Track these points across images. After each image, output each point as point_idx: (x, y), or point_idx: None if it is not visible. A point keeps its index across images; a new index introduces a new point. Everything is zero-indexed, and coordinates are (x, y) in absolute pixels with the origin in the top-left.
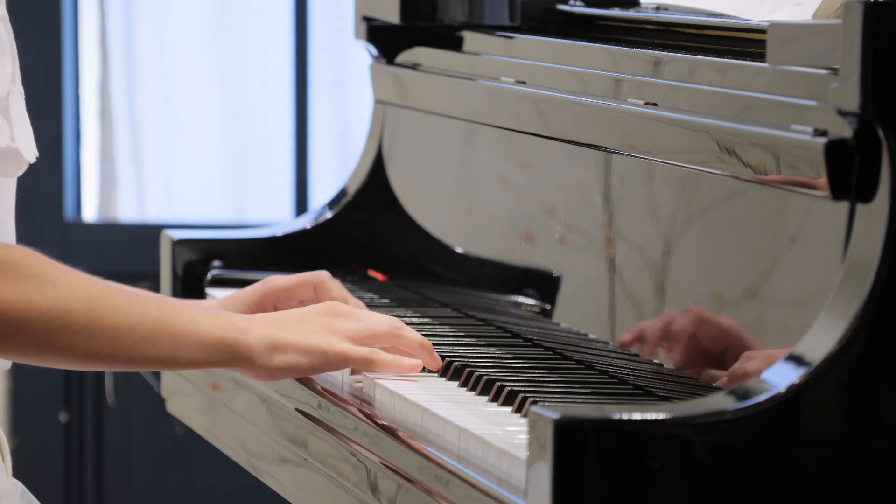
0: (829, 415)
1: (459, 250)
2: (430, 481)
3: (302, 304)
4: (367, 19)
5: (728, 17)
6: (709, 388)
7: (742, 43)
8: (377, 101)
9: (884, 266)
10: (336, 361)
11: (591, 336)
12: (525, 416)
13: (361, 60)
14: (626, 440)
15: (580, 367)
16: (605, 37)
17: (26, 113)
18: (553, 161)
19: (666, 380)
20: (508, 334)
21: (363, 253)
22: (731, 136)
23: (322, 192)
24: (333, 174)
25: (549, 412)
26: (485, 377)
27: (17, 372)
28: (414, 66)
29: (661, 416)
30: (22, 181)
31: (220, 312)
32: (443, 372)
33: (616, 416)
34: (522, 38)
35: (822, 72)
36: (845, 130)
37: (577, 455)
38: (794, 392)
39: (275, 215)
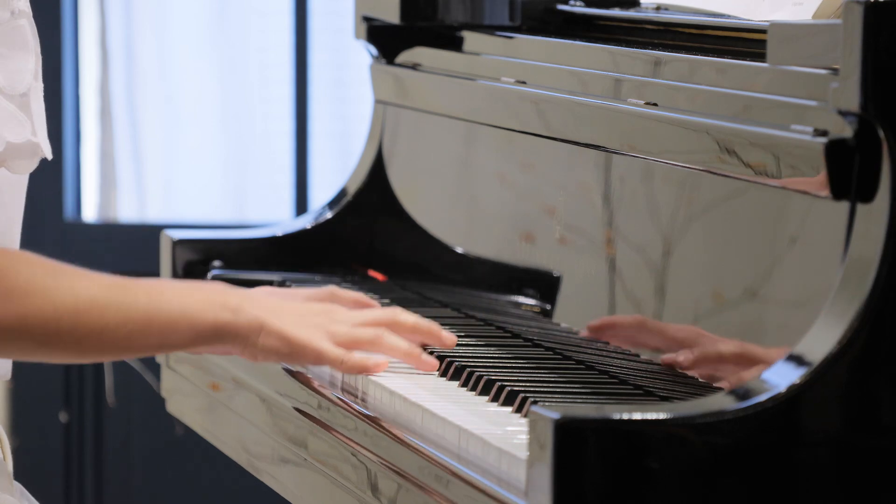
0: (829, 415)
1: (459, 250)
2: (430, 481)
3: None
4: (367, 19)
5: (728, 17)
6: (709, 388)
7: (742, 43)
8: (377, 101)
9: (884, 266)
10: (313, 357)
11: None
12: (525, 416)
13: (361, 60)
14: (626, 440)
15: (580, 367)
16: (605, 37)
17: (44, 110)
18: (553, 161)
19: (666, 380)
20: (508, 334)
21: (363, 253)
22: (731, 136)
23: (322, 192)
24: (333, 174)
25: (550, 412)
26: (485, 377)
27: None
28: (414, 66)
29: (661, 416)
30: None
31: (213, 290)
32: (443, 372)
33: (616, 416)
34: (522, 38)
35: (822, 72)
36: (845, 130)
37: (578, 455)
38: (794, 392)
39: (275, 215)
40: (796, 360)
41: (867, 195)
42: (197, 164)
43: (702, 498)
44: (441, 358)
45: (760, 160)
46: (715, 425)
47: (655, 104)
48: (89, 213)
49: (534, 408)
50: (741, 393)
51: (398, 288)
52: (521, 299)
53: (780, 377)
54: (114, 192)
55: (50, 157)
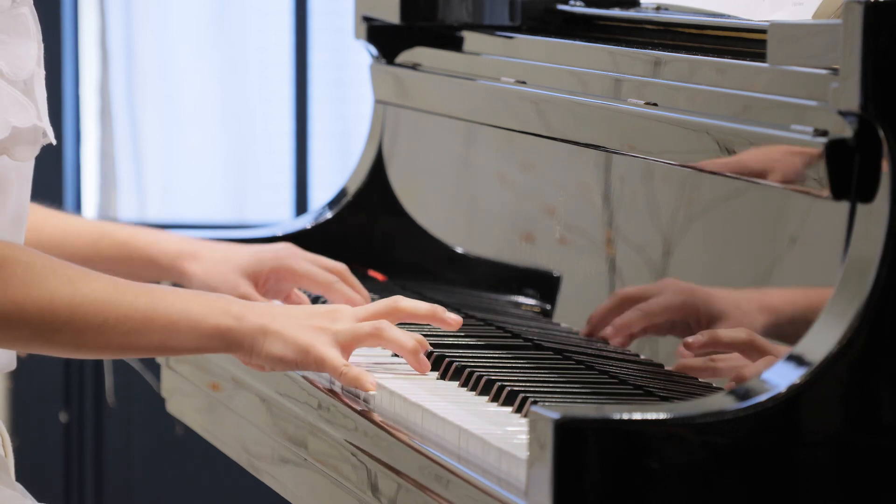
0: (829, 415)
1: (459, 250)
2: (430, 481)
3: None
4: (367, 19)
5: (728, 17)
6: (709, 388)
7: (742, 43)
8: (377, 101)
9: (884, 266)
10: (315, 363)
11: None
12: (525, 416)
13: (361, 60)
14: (626, 440)
15: (580, 367)
16: (605, 37)
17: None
18: (553, 161)
19: (666, 380)
20: (508, 334)
21: (363, 253)
22: (731, 136)
23: (322, 192)
24: (333, 174)
25: (550, 412)
26: (485, 377)
27: (17, 372)
28: (414, 66)
29: (661, 416)
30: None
31: (215, 298)
32: (443, 372)
33: (616, 416)
34: (522, 38)
35: (822, 72)
36: (845, 130)
37: (578, 455)
38: (794, 392)
39: (275, 215)
40: (796, 360)
41: (867, 195)
42: (197, 164)
43: (702, 498)
44: (441, 358)
45: (761, 160)
46: (715, 425)
47: (655, 104)
48: (89, 213)
49: (534, 408)
50: (741, 393)
51: (398, 288)
52: (521, 299)
53: (780, 377)
54: (114, 191)
55: (54, 141)
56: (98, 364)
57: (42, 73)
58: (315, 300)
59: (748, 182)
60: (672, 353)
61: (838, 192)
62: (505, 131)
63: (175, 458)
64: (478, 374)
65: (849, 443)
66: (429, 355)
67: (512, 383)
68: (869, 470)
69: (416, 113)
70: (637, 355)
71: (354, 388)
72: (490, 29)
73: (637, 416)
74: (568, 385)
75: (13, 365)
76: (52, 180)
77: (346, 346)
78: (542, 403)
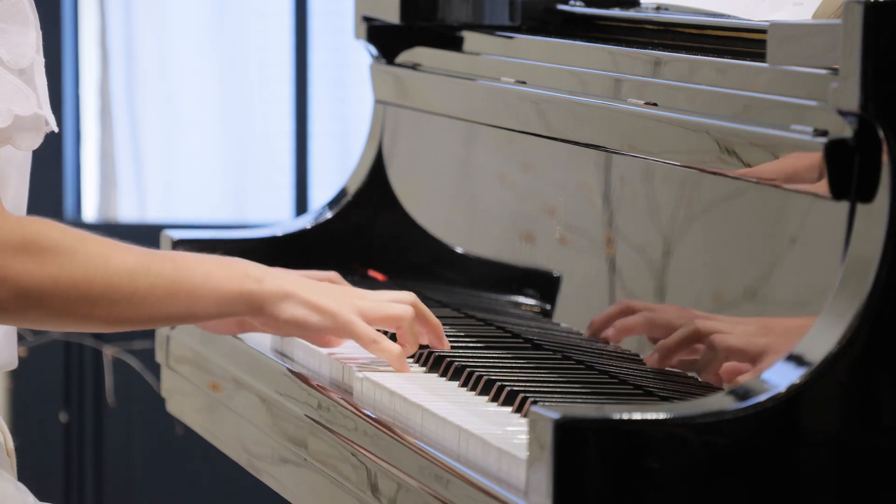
0: (829, 415)
1: (459, 250)
2: (430, 481)
3: None
4: (367, 19)
5: (728, 17)
6: (709, 388)
7: (742, 43)
8: (377, 101)
9: (884, 266)
10: (343, 328)
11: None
12: (525, 416)
13: (361, 60)
14: (626, 440)
15: (580, 367)
16: (605, 37)
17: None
18: (553, 161)
19: (666, 380)
20: (508, 334)
21: (363, 253)
22: (731, 136)
23: (322, 192)
24: (333, 174)
25: (550, 412)
26: (485, 377)
27: (17, 372)
28: (414, 66)
29: (661, 416)
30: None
31: (234, 262)
32: (443, 372)
33: (616, 416)
34: (522, 38)
35: (822, 72)
36: (845, 130)
37: (578, 455)
38: (794, 392)
39: (275, 215)
40: (796, 360)
41: (867, 195)
42: (197, 164)
43: (702, 498)
44: (441, 358)
45: (760, 160)
46: (715, 425)
47: (655, 104)
48: (89, 213)
49: (534, 408)
50: (741, 393)
51: (398, 288)
52: (521, 299)
53: (780, 377)
54: (114, 192)
55: (56, 129)
56: (98, 364)
57: (42, 60)
58: None
59: (748, 182)
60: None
61: (838, 192)
62: (505, 131)
63: (175, 458)
64: (478, 374)
65: (849, 443)
66: (429, 355)
67: (512, 383)
68: (869, 470)
69: (416, 113)
70: (637, 355)
71: (388, 357)
72: (490, 29)
73: (637, 416)
74: (568, 385)
75: (14, 363)
76: (52, 180)
77: (370, 322)
78: (542, 403)
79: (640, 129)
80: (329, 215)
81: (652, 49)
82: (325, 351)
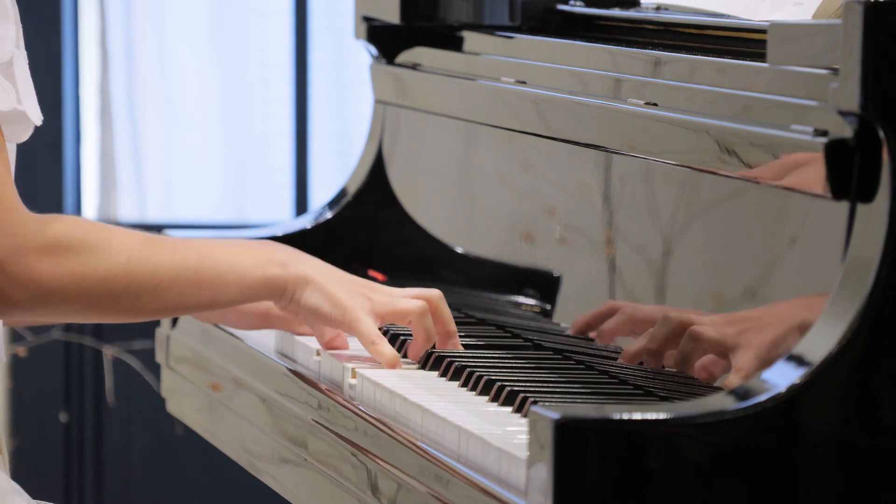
0: (829, 415)
1: (459, 250)
2: (430, 481)
3: None
4: (367, 19)
5: (728, 17)
6: (709, 388)
7: (742, 43)
8: (377, 101)
9: (884, 266)
10: (348, 323)
11: (591, 336)
12: (525, 416)
13: (361, 60)
14: (626, 440)
15: (580, 367)
16: (605, 37)
17: (30, 77)
18: (553, 161)
19: (666, 380)
20: (508, 334)
21: (363, 253)
22: (731, 136)
23: (322, 192)
24: (333, 174)
25: (550, 412)
26: (485, 377)
27: (17, 372)
28: (414, 66)
29: (661, 416)
30: (22, 180)
31: (260, 247)
32: (443, 372)
33: (616, 416)
34: (522, 38)
35: (822, 72)
36: (845, 130)
37: (578, 455)
38: (794, 392)
39: (275, 215)
40: (796, 360)
41: (867, 195)
42: (197, 164)
43: (702, 498)
44: (441, 358)
45: (760, 160)
46: (715, 425)
47: (655, 104)
48: (89, 213)
49: (534, 408)
50: (741, 393)
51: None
52: (521, 299)
53: (780, 377)
54: (114, 192)
55: (40, 122)
56: (98, 364)
57: (23, 54)
58: None
59: (748, 182)
60: (671, 353)
61: (838, 192)
62: (505, 131)
63: (175, 458)
64: (478, 374)
65: (849, 443)
66: (429, 355)
67: (512, 383)
68: (869, 470)
69: (416, 113)
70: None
71: (383, 361)
72: (490, 29)
73: (637, 416)
74: (568, 385)
75: (2, 358)
76: (52, 180)
77: (380, 316)
78: (542, 403)
79: (640, 129)
80: (329, 215)
81: (652, 49)
82: (325, 351)
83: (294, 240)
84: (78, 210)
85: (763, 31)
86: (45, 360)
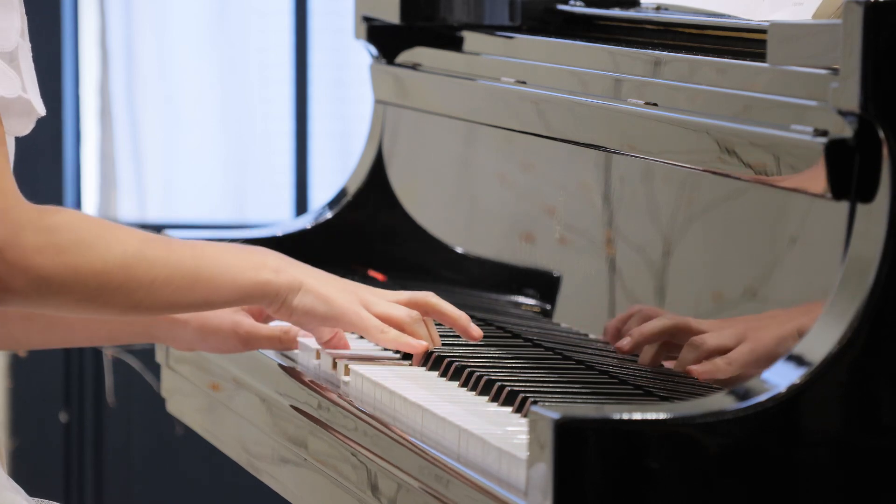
0: (829, 415)
1: (459, 250)
2: (430, 481)
3: None
4: (367, 19)
5: (728, 17)
6: (709, 388)
7: (742, 43)
8: (377, 101)
9: (884, 266)
10: (349, 319)
11: (591, 336)
12: (525, 416)
13: (361, 60)
14: (626, 440)
15: (580, 367)
16: (605, 37)
17: (34, 69)
18: (553, 161)
19: (666, 380)
20: (508, 334)
21: (363, 253)
22: (731, 136)
23: (322, 192)
24: (333, 174)
25: (550, 412)
26: (485, 377)
27: (17, 372)
28: (414, 66)
29: (661, 416)
30: (22, 180)
31: (254, 252)
32: (443, 372)
33: (616, 416)
34: (522, 38)
35: (822, 72)
36: (845, 130)
37: (578, 455)
38: (794, 392)
39: (275, 215)
40: (796, 360)
41: (867, 195)
42: (197, 164)
43: (702, 498)
44: (441, 358)
45: (760, 160)
46: (715, 425)
47: (655, 104)
48: (89, 213)
49: (534, 408)
50: (741, 393)
51: (398, 288)
52: (521, 299)
53: (780, 377)
54: (114, 192)
55: (43, 113)
56: (98, 364)
57: (27, 45)
58: None
59: (748, 182)
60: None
61: (838, 192)
62: (505, 131)
63: (175, 458)
64: (478, 374)
65: (849, 443)
66: (429, 355)
67: (512, 383)
68: (869, 470)
69: (416, 113)
70: (637, 355)
71: (398, 348)
72: (490, 29)
73: (637, 416)
74: (568, 385)
75: None
76: (52, 180)
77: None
78: (542, 403)
79: (640, 129)
80: (329, 215)
81: (652, 49)
82: (324, 351)
83: (294, 240)
84: (78, 210)
85: (763, 31)
86: (45, 360)
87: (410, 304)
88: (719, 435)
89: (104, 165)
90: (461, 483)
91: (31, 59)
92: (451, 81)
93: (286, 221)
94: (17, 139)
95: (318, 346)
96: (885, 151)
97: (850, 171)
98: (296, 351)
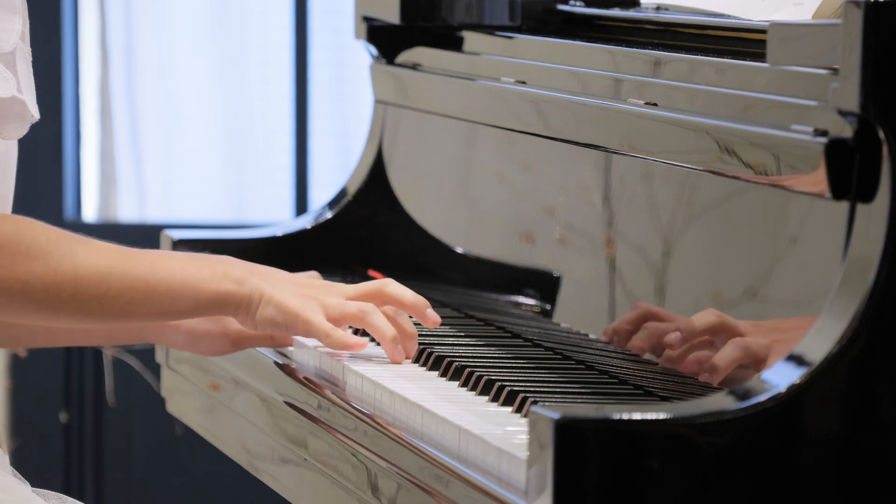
0: (829, 415)
1: (459, 250)
2: (430, 481)
3: None
4: (367, 19)
5: (728, 17)
6: (709, 388)
7: (742, 43)
8: (377, 101)
9: (884, 266)
10: (302, 327)
11: (591, 336)
12: (525, 416)
13: (361, 60)
14: (626, 440)
15: (580, 367)
16: (605, 37)
17: (32, 74)
18: (553, 161)
19: (666, 380)
20: (508, 334)
21: (363, 253)
22: (731, 136)
23: (322, 192)
24: (333, 173)
25: (550, 412)
26: (485, 377)
27: (17, 372)
28: (414, 66)
29: (661, 416)
30: (22, 181)
31: (217, 263)
32: (443, 372)
33: (616, 416)
34: (522, 38)
35: (822, 72)
36: (845, 130)
37: (578, 455)
38: (794, 392)
39: (275, 215)
40: (796, 360)
41: (867, 195)
42: (197, 163)
43: (702, 498)
44: (441, 358)
45: (760, 160)
46: (715, 425)
47: (655, 104)
48: (89, 213)
49: (534, 408)
50: (741, 393)
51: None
52: (521, 299)
53: (780, 377)
54: (114, 191)
55: (37, 116)
56: (98, 364)
57: (27, 49)
58: None
59: (748, 182)
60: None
61: (838, 192)
62: (505, 131)
63: (175, 458)
64: (478, 374)
65: (849, 443)
66: (429, 355)
67: (512, 383)
68: (869, 470)
69: (416, 113)
70: (637, 355)
71: (341, 349)
72: (490, 29)
73: (637, 416)
74: (568, 385)
75: None
76: (52, 180)
77: (333, 320)
78: (542, 403)
79: (640, 129)
80: (329, 215)
81: (652, 49)
82: (324, 350)
83: (294, 240)
84: (78, 210)
85: (763, 31)
86: (45, 360)
87: (365, 297)
88: (719, 435)
89: (104, 165)
90: (461, 483)
91: (30, 63)
92: (451, 81)
93: (286, 221)
94: (18, 139)
95: (316, 345)
96: (885, 151)
97: (850, 171)
98: (295, 350)
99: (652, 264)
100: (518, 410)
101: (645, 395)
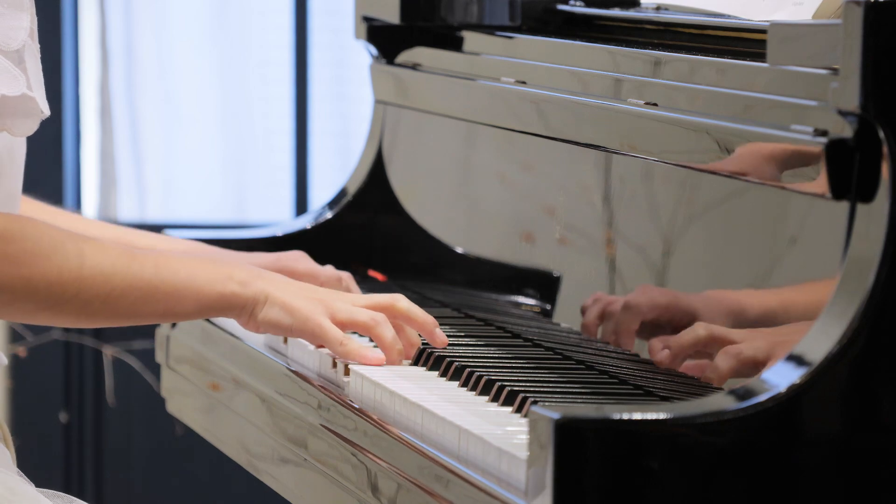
0: (829, 415)
1: (459, 250)
2: (430, 481)
3: None
4: (367, 19)
5: (728, 17)
6: (709, 388)
7: (742, 43)
8: (377, 102)
9: (884, 266)
10: (314, 330)
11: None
12: (525, 416)
13: (361, 60)
14: (626, 440)
15: (580, 367)
16: (605, 37)
17: (41, 71)
18: (553, 161)
19: (666, 380)
20: (508, 334)
21: (363, 253)
22: (731, 136)
23: (322, 192)
24: (333, 173)
25: (550, 412)
26: (485, 377)
27: (17, 372)
28: (414, 66)
29: (661, 416)
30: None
31: (219, 264)
32: (443, 372)
33: (616, 416)
34: (522, 38)
35: (822, 72)
36: (845, 130)
37: (578, 455)
38: (794, 392)
39: (275, 215)
40: (796, 360)
41: (867, 195)
42: (197, 163)
43: (702, 498)
44: (441, 358)
45: (761, 160)
46: (715, 425)
47: (655, 104)
48: (89, 213)
49: (534, 408)
50: (741, 393)
51: (398, 288)
52: (521, 299)
53: (780, 377)
54: (114, 191)
55: (48, 113)
56: (98, 364)
57: (36, 46)
58: None
59: (748, 182)
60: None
61: (838, 192)
62: (505, 131)
63: (175, 458)
64: (478, 374)
65: (849, 443)
66: (429, 355)
67: (512, 383)
68: (869, 470)
69: (416, 113)
70: (637, 355)
71: (356, 360)
72: (490, 29)
73: (637, 416)
74: (568, 385)
75: (4, 361)
76: (52, 180)
77: (340, 324)
78: (542, 403)
79: (640, 129)
80: (329, 215)
81: (652, 49)
82: (324, 351)
83: (294, 240)
84: (78, 210)
85: (763, 31)
86: (45, 360)
87: (377, 308)
88: (719, 435)
89: (104, 165)
90: (461, 483)
91: (38, 60)
92: (451, 81)
93: (286, 221)
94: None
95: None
96: (885, 151)
97: (850, 171)
98: (296, 351)
99: (652, 264)
100: (518, 410)
101: (645, 395)
